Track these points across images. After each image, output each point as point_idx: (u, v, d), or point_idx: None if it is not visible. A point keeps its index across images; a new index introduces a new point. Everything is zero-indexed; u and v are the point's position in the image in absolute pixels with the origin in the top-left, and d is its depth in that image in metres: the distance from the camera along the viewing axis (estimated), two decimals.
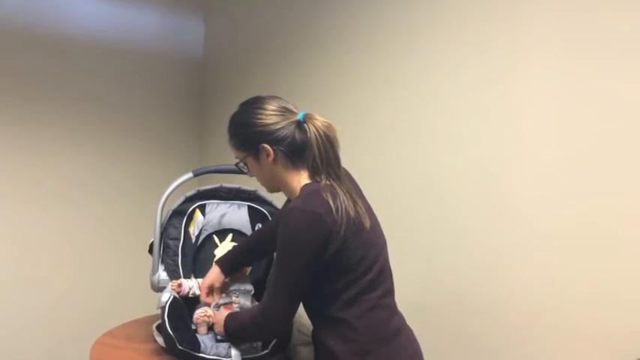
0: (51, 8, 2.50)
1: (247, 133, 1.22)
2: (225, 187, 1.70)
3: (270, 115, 1.19)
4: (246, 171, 1.29)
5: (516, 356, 1.54)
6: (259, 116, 1.19)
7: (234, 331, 1.27)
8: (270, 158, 1.20)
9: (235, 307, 1.42)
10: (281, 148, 1.19)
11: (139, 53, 2.82)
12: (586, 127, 1.38)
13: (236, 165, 1.30)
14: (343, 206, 1.13)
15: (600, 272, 1.36)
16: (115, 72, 2.73)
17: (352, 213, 1.15)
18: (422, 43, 1.80)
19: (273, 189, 1.29)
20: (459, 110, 1.68)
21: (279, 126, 1.18)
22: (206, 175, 1.65)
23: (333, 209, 1.11)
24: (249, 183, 1.73)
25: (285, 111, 1.21)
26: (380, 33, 1.95)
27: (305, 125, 1.18)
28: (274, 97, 1.24)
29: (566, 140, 1.42)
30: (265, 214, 1.66)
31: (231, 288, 1.48)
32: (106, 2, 2.67)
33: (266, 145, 1.19)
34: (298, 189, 1.20)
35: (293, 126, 1.19)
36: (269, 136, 1.19)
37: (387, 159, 1.91)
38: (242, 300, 1.45)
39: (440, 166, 1.74)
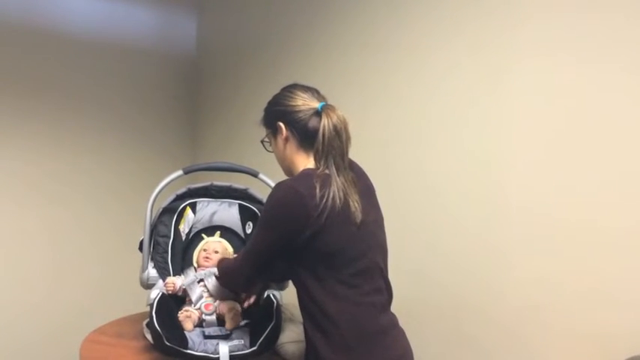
0: (41, 3, 2.48)
1: (272, 111, 1.32)
2: (216, 186, 1.70)
3: (294, 99, 1.27)
4: (270, 150, 1.38)
5: (511, 353, 1.54)
6: (285, 98, 1.29)
7: (219, 270, 1.45)
8: (283, 137, 1.28)
9: (205, 292, 1.47)
10: (293, 129, 1.26)
11: (130, 50, 2.79)
12: (581, 124, 1.39)
13: (261, 141, 1.39)
14: (331, 195, 1.16)
15: (595, 270, 1.36)
16: (106, 69, 2.70)
17: (340, 204, 1.17)
18: (419, 43, 1.80)
19: (286, 170, 1.34)
20: (457, 109, 1.68)
21: (297, 109, 1.26)
22: (197, 173, 1.65)
23: (317, 195, 1.15)
24: (241, 181, 1.74)
25: (309, 98, 1.28)
26: (376, 32, 1.95)
27: (321, 114, 1.24)
28: (308, 87, 1.31)
29: (563, 138, 1.42)
30: (256, 212, 1.66)
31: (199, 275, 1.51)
32: None
33: (281, 124, 1.28)
34: None
35: (310, 112, 1.25)
36: (286, 116, 1.27)
37: (385, 157, 1.91)
38: (209, 283, 1.48)
39: (437, 163, 1.74)
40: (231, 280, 1.39)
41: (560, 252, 1.43)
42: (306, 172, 1.21)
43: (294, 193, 1.15)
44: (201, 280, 1.49)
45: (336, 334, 1.16)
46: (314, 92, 1.30)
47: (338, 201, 1.17)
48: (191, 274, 1.52)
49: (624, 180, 1.31)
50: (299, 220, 1.15)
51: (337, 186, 1.18)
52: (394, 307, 1.29)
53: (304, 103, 1.26)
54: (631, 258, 1.30)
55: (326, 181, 1.18)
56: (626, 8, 1.31)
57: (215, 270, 1.49)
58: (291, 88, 1.31)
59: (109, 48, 2.71)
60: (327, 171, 1.20)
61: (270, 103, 1.34)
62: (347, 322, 1.17)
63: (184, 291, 1.48)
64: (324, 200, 1.15)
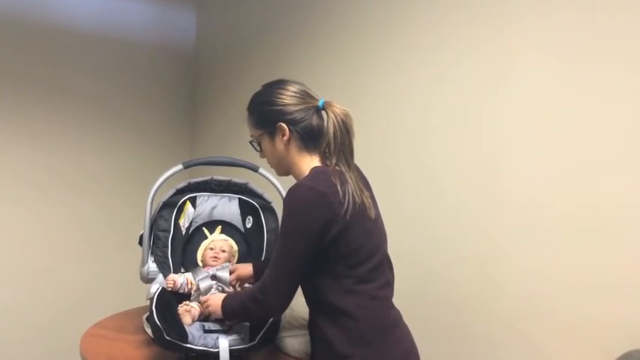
0: None
1: (266, 111, 1.24)
2: (216, 180, 1.70)
3: (290, 97, 1.21)
4: (258, 150, 1.31)
5: (511, 345, 1.55)
6: (280, 96, 1.22)
7: (233, 311, 1.28)
8: (285, 138, 1.22)
9: (214, 289, 1.45)
10: (297, 129, 1.20)
11: (128, 44, 2.77)
12: (580, 119, 1.39)
13: (250, 143, 1.31)
14: (350, 192, 1.14)
15: (596, 262, 1.37)
16: (103, 63, 2.68)
17: (358, 200, 1.15)
18: (419, 40, 1.80)
19: (282, 171, 1.29)
20: (458, 104, 1.69)
21: (297, 108, 1.20)
22: (197, 168, 1.65)
23: (340, 193, 1.12)
24: (241, 176, 1.74)
25: (306, 95, 1.23)
26: (377, 28, 1.95)
27: (323, 112, 1.21)
28: (296, 82, 1.26)
29: (561, 132, 1.43)
30: (256, 206, 1.66)
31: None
32: None
33: (283, 124, 1.21)
34: (307, 172, 1.19)
35: (311, 111, 1.21)
36: (287, 115, 1.20)
37: (386, 150, 1.91)
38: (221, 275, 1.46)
39: (438, 157, 1.74)
40: (269, 306, 1.19)
41: (561, 244, 1.44)
42: (321, 170, 1.17)
43: (316, 193, 1.11)
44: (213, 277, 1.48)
45: (355, 329, 1.15)
46: (304, 87, 1.25)
47: (357, 197, 1.15)
48: (202, 272, 1.50)
49: (624, 174, 1.32)
50: (326, 220, 1.11)
51: (352, 183, 1.16)
52: (395, 300, 1.29)
53: (302, 100, 1.21)
54: (632, 251, 1.31)
55: (342, 179, 1.15)
56: (625, 8, 1.31)
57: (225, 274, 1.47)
58: (281, 85, 1.24)
59: (107, 42, 2.69)
60: (338, 168, 1.17)
61: (259, 103, 1.26)
62: (365, 316, 1.16)
63: (194, 288, 1.47)
64: (347, 197, 1.12)
